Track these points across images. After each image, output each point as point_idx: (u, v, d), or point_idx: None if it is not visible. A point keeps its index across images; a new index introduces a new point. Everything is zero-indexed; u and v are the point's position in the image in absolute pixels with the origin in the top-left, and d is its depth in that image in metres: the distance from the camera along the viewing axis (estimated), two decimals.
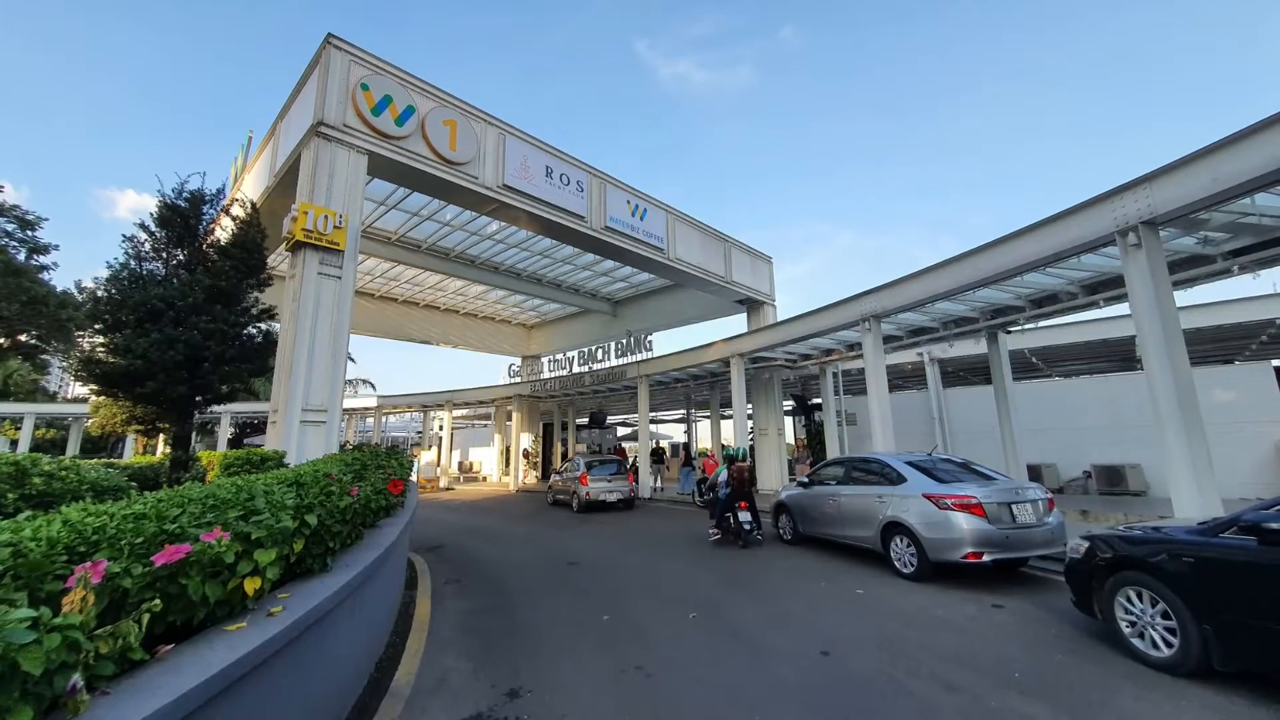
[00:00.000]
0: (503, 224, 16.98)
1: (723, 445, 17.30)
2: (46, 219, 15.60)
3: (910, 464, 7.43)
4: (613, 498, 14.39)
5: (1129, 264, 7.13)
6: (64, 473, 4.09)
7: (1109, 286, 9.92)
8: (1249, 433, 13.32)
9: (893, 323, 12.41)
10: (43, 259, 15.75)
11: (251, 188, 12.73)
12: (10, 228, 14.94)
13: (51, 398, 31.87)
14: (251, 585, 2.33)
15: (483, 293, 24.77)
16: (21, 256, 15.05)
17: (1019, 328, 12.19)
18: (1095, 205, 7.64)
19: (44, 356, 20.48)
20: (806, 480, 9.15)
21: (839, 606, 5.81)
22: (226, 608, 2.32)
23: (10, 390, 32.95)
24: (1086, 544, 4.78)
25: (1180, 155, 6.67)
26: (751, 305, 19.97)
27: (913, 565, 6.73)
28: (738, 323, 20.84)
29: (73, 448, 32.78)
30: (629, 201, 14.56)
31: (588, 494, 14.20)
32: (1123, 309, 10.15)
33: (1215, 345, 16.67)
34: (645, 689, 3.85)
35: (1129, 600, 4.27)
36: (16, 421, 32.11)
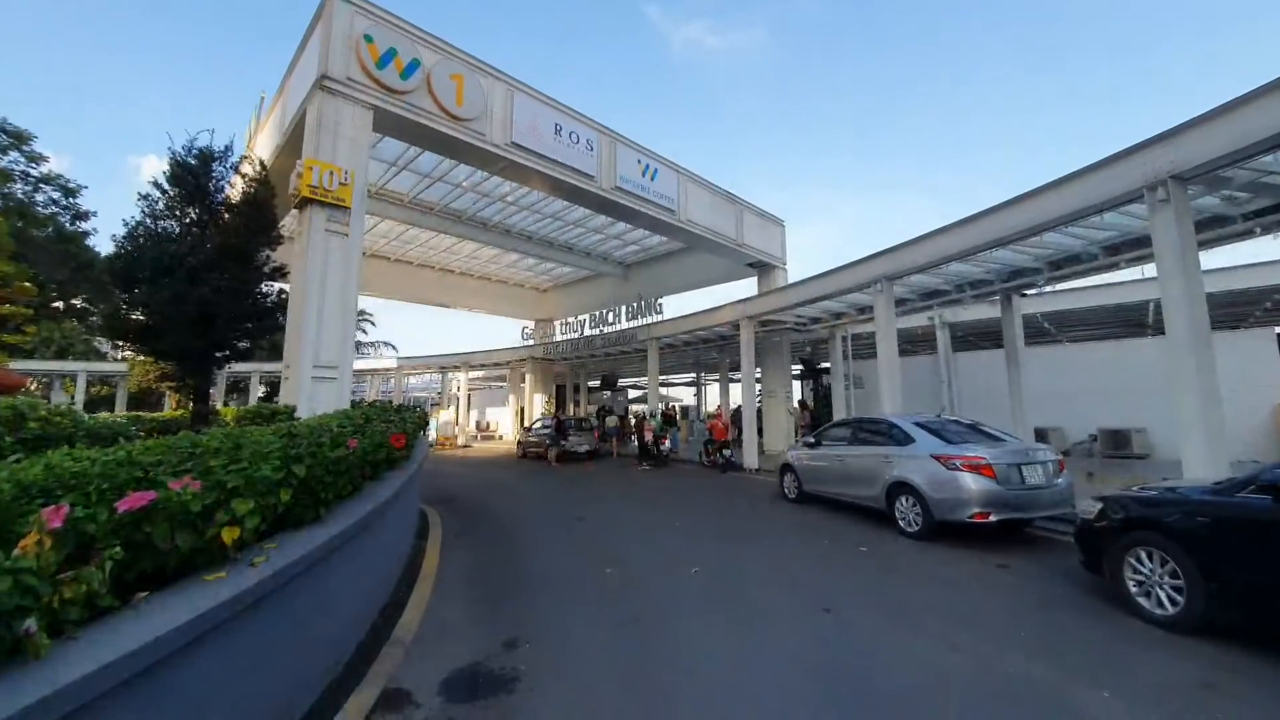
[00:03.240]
0: (513, 185, 16.70)
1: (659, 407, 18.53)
2: (85, 186, 15.71)
3: (918, 425, 7.33)
4: (582, 449, 17.67)
5: (1156, 220, 6.76)
6: (59, 418, 4.16)
7: (1131, 248, 9.52)
8: (1249, 398, 13.18)
9: (905, 285, 12.08)
10: (84, 225, 15.95)
11: (264, 148, 12.57)
12: (55, 195, 15.08)
13: (103, 357, 33.32)
14: (230, 535, 2.33)
15: (495, 256, 24.61)
16: (66, 223, 15.28)
17: (1035, 290, 11.78)
18: (1122, 160, 7.23)
19: (93, 319, 21.15)
20: (813, 440, 9.11)
21: (842, 564, 5.83)
22: (206, 556, 2.34)
23: (69, 350, 34.32)
24: (1099, 505, 4.69)
25: (1209, 108, 6.26)
26: (762, 269, 19.59)
27: (917, 524, 6.71)
28: (748, 287, 20.51)
29: (120, 404, 34.05)
30: (639, 161, 14.15)
31: (563, 445, 17.28)
32: (1134, 274, 9.77)
33: (1223, 310, 16.13)
34: (641, 643, 3.90)
35: (1139, 560, 4.20)
36: (74, 378, 33.69)
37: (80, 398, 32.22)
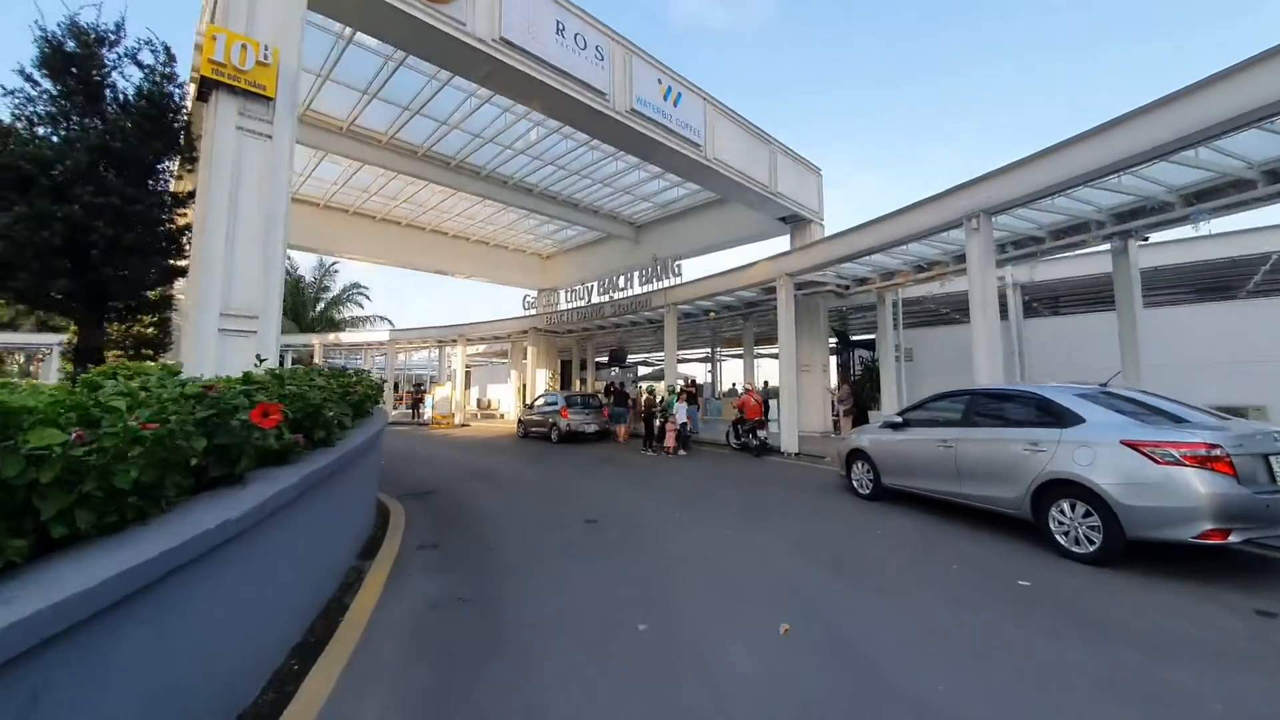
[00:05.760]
0: (507, 121, 14.33)
1: (677, 384, 15.59)
2: None
3: (1084, 397, 5.10)
4: (590, 429, 15.59)
5: None
6: None
7: None
8: None
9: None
10: None
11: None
12: None
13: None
14: None
15: (492, 215, 22.25)
16: None
17: (1195, 230, 9.16)
18: None
19: None
20: (899, 420, 6.91)
21: (1009, 611, 3.66)
22: None
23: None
24: None
25: None
26: (796, 223, 17.18)
27: (1092, 543, 4.53)
28: (773, 249, 18.13)
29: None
30: (660, 81, 11.68)
31: (568, 425, 15.16)
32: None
33: None
34: None
35: None
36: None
37: (53, 372, 30.56)
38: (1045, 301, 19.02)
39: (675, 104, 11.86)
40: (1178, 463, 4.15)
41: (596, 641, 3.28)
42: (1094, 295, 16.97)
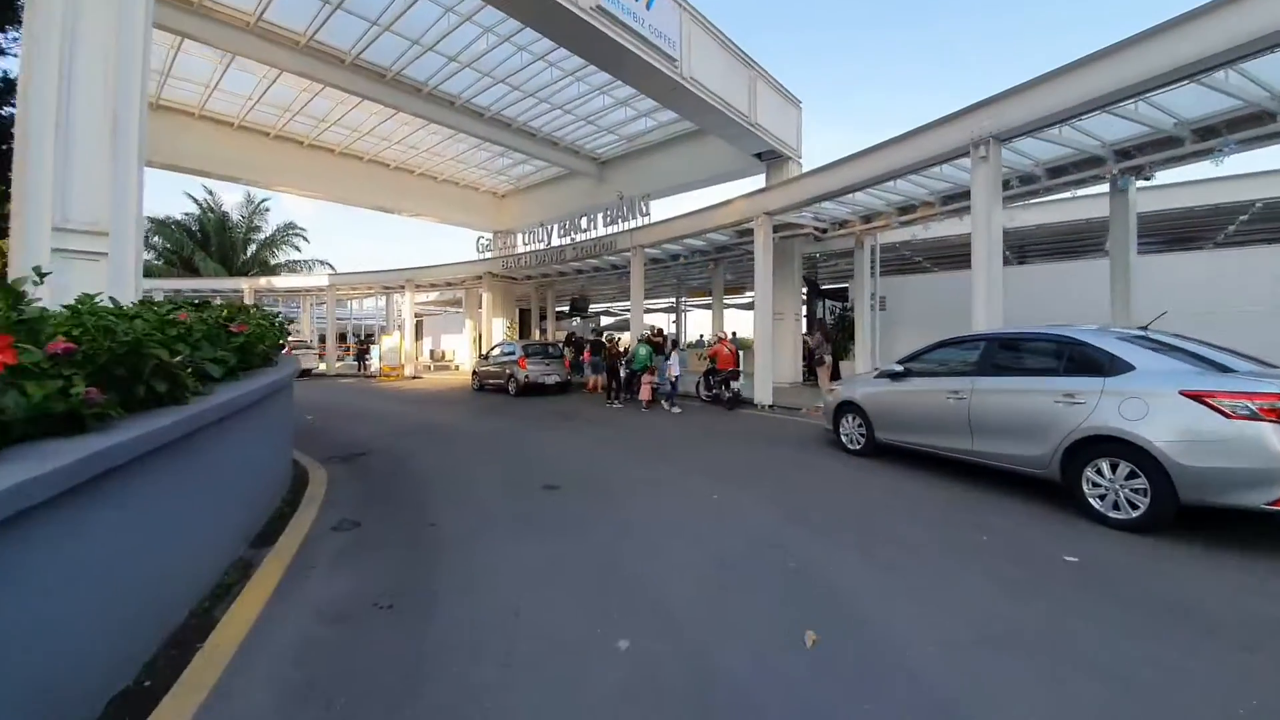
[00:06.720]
0: (449, 23, 12.41)
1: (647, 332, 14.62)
2: None
3: (1128, 342, 4.41)
4: (550, 380, 14.47)
5: None
6: None
7: None
8: None
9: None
10: None
11: None
12: None
13: None
14: None
15: (438, 144, 20.13)
16: None
17: (1218, 161, 8.51)
18: None
19: None
20: (900, 369, 6.18)
21: (1071, 598, 2.98)
22: None
23: None
24: None
25: None
26: (774, 161, 16.04)
27: (1134, 508, 3.93)
28: (743, 191, 17.04)
29: None
30: None
31: (526, 376, 14.06)
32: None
33: None
34: None
35: None
36: None
37: None
38: (1014, 250, 18.76)
39: (648, 6, 10.31)
40: (1254, 416, 3.50)
41: (561, 664, 2.40)
42: (1062, 243, 16.76)
